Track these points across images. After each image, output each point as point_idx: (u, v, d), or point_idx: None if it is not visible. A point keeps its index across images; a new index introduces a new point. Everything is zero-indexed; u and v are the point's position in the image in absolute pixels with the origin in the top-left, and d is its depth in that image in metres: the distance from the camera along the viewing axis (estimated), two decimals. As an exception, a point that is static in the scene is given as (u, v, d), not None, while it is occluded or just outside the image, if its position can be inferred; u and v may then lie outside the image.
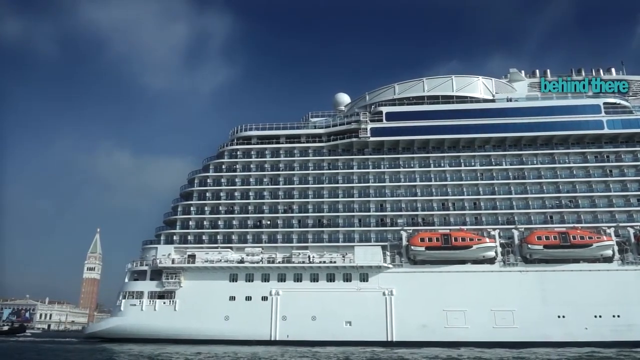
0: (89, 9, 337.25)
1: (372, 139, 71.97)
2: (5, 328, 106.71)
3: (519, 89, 76.36)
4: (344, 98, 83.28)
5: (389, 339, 61.05)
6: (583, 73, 77.09)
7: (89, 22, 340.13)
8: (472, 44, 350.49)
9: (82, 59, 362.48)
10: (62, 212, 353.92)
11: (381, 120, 72.70)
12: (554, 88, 73.54)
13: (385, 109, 73.20)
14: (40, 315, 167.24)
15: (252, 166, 75.16)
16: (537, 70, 79.14)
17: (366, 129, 71.95)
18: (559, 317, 60.05)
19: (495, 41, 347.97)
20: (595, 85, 73.06)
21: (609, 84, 72.93)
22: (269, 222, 71.13)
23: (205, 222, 72.34)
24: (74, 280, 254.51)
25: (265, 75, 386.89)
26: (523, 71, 79.76)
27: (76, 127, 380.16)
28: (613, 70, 78.03)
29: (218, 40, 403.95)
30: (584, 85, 73.07)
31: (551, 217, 67.23)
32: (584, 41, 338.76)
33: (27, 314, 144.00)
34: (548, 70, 78.20)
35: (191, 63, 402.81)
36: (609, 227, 63.66)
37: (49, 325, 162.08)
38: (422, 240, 63.76)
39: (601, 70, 78.06)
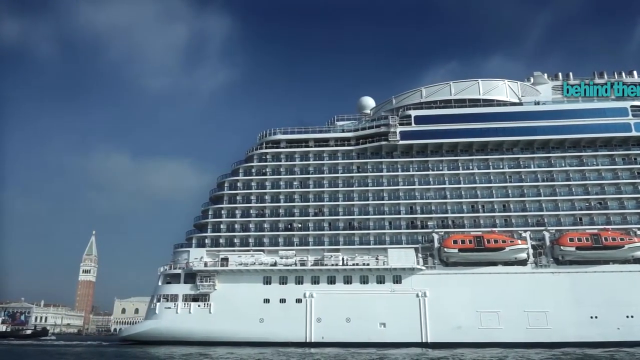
0: (88, 10, 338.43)
1: (401, 142, 72.85)
2: (29, 332, 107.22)
3: (543, 92, 77.17)
4: (369, 102, 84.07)
5: (424, 340, 61.91)
6: (605, 76, 77.76)
7: (87, 23, 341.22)
8: (472, 45, 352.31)
9: (80, 60, 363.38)
10: (59, 215, 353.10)
11: (410, 124, 73.56)
12: (576, 92, 74.28)
13: (413, 113, 74.08)
14: (36, 318, 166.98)
15: (281, 169, 75.93)
16: (560, 74, 79.91)
17: (395, 132, 72.81)
18: (591, 317, 60.98)
19: (494, 42, 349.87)
20: (618, 89, 73.94)
21: (632, 88, 73.72)
22: (299, 225, 71.88)
23: (236, 226, 73.07)
24: (69, 283, 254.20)
25: (265, 76, 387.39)
26: (546, 74, 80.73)
27: (74, 128, 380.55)
28: (635, 73, 78.74)
29: (217, 41, 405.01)
30: (606, 89, 73.92)
31: (580, 219, 68.05)
32: (582, 42, 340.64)
33: (23, 317, 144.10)
34: (571, 74, 78.85)
35: (190, 64, 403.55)
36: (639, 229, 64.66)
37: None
38: (455, 242, 64.58)
39: (623, 74, 78.70)
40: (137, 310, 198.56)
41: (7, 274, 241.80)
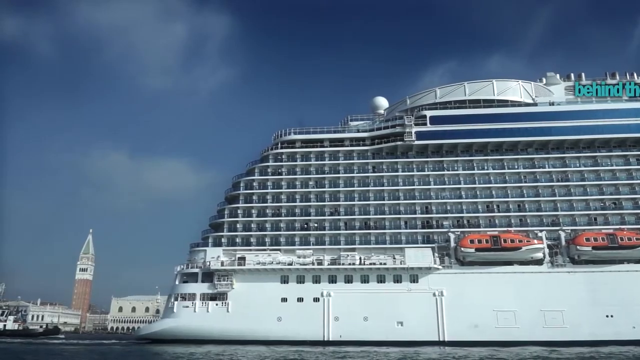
0: (87, 8, 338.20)
1: (417, 142, 73.37)
2: (40, 330, 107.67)
3: (556, 93, 77.79)
4: (382, 102, 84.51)
5: (441, 339, 62.55)
6: (617, 77, 78.30)
7: (86, 21, 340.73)
8: (471, 43, 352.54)
9: (79, 58, 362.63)
10: (56, 213, 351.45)
11: (425, 124, 74.08)
12: (588, 92, 74.92)
13: (429, 113, 74.57)
14: (32, 316, 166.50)
15: (297, 169, 76.43)
16: (572, 74, 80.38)
17: (411, 132, 73.33)
18: (607, 316, 61.63)
19: (493, 40, 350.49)
20: (630, 89, 74.50)
21: (644, 88, 74.29)
22: (316, 225, 72.38)
23: (252, 225, 73.57)
24: (66, 281, 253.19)
25: (265, 74, 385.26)
26: (558, 74, 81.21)
27: (72, 127, 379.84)
28: (648, 73, 79.25)
29: (217, 39, 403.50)
30: (618, 90, 74.56)
31: (595, 219, 68.68)
32: (582, 41, 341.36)
33: (19, 315, 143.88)
34: (583, 74, 79.24)
35: (190, 62, 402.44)
36: (655, 229, 65.40)
37: (40, 327, 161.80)
38: (472, 242, 65.14)
39: (635, 74, 79.22)
40: (134, 309, 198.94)
41: (4, 273, 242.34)
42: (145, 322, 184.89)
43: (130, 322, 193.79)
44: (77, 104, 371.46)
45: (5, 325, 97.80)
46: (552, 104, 74.63)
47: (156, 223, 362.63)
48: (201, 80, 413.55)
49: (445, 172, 73.21)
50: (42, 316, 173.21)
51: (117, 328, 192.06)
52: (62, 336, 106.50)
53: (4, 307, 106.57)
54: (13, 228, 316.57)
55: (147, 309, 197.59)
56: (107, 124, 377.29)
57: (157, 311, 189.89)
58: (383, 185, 73.54)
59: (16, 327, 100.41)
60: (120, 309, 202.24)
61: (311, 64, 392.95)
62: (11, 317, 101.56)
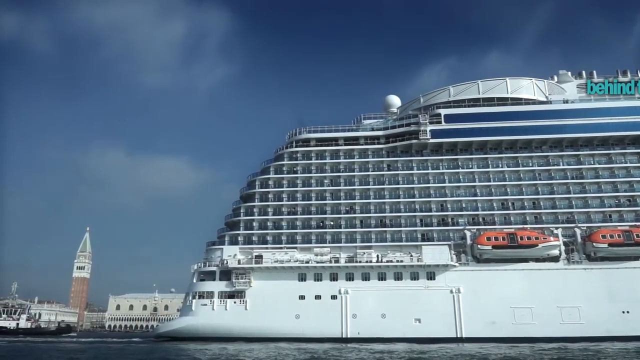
0: (86, 5, 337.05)
1: (431, 140, 73.79)
2: (53, 328, 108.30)
3: (568, 90, 78.19)
4: (395, 100, 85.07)
5: (459, 336, 63.11)
6: (629, 74, 78.70)
7: (85, 18, 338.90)
8: (470, 40, 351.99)
9: (77, 56, 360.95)
10: (53, 211, 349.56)
11: (440, 122, 74.47)
12: (600, 90, 75.60)
13: (443, 111, 74.97)
14: (30, 314, 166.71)
15: (312, 168, 76.83)
16: (584, 72, 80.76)
17: (426, 130, 73.73)
18: (623, 312, 62.17)
19: (492, 37, 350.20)
20: (642, 87, 75.02)
21: (655, 86, 74.76)
22: (331, 223, 72.85)
23: (268, 223, 74.04)
24: (63, 280, 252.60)
25: (264, 72, 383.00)
26: (569, 72, 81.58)
27: (70, 125, 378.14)
28: (659, 71, 79.55)
29: (216, 36, 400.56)
30: (630, 87, 75.27)
31: (610, 216, 69.24)
32: (580, 38, 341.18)
33: (17, 314, 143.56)
34: (594, 72, 79.65)
35: (188, 60, 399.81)
36: (669, 225, 65.80)
37: (40, 325, 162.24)
38: (489, 239, 65.62)
39: (646, 72, 79.57)
40: (131, 307, 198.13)
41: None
42: (144, 320, 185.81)
43: (128, 321, 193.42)
44: (74, 102, 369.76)
45: (18, 324, 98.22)
46: (565, 101, 75.10)
47: (154, 221, 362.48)
48: (200, 78, 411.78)
49: (460, 170, 73.76)
50: (40, 314, 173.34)
51: (114, 326, 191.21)
52: (75, 334, 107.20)
53: (17, 306, 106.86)
54: (10, 226, 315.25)
55: (144, 307, 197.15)
56: (105, 121, 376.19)
57: (155, 309, 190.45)
58: (398, 184, 74.01)
59: (29, 326, 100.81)
60: (118, 307, 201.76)
61: (311, 60, 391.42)
62: (24, 316, 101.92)
